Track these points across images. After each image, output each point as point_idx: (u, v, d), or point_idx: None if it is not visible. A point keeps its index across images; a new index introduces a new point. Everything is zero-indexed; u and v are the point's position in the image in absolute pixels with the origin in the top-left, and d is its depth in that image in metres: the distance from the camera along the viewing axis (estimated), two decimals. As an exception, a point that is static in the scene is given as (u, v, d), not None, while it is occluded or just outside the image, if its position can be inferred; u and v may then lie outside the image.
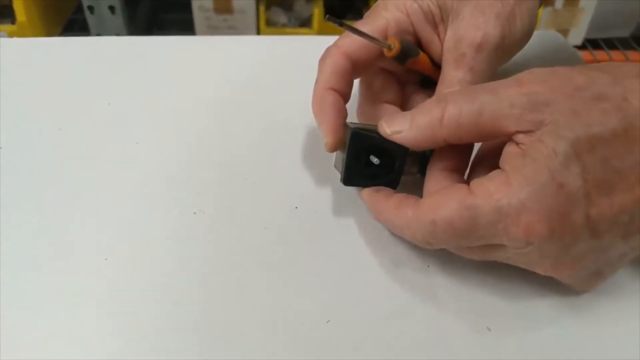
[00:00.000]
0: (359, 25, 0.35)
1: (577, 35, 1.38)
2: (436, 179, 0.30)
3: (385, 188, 0.32)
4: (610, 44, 1.44)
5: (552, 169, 0.25)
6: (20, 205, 0.35)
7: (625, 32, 1.44)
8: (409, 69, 0.36)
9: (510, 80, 0.27)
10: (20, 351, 0.28)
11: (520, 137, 0.26)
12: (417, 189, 0.31)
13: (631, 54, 1.41)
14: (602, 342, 0.29)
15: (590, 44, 1.42)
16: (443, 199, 0.27)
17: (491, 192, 0.26)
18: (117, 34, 1.31)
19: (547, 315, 0.30)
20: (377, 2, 0.36)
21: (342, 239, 0.34)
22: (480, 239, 0.27)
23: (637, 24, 1.43)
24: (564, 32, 1.36)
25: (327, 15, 0.29)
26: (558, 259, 0.27)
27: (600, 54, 1.41)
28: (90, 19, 1.30)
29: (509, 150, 0.27)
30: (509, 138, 0.27)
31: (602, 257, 0.28)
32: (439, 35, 0.35)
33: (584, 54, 1.39)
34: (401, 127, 0.30)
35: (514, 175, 0.26)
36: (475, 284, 0.32)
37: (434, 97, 0.30)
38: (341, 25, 0.31)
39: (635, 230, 0.26)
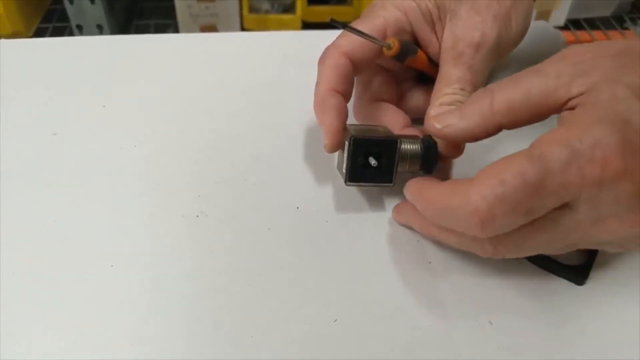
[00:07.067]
0: (357, 24, 0.35)
1: (559, 16, 1.39)
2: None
3: (431, 177, 0.32)
4: (592, 23, 1.45)
5: (615, 108, 0.24)
6: (19, 215, 0.35)
7: (606, 12, 1.46)
8: (407, 67, 0.37)
9: (552, 58, 0.27)
10: (25, 356, 0.28)
11: (574, 102, 0.26)
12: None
13: (613, 34, 1.43)
14: (605, 339, 0.30)
15: (572, 24, 1.44)
16: (508, 159, 0.26)
17: (558, 138, 0.25)
18: (97, 24, 1.29)
19: (549, 310, 0.31)
20: (375, 2, 0.36)
21: (345, 238, 0.34)
22: (552, 196, 0.25)
23: (618, 3, 1.44)
24: (546, 13, 1.37)
25: (331, 19, 0.29)
26: (631, 208, 0.25)
27: (582, 34, 1.42)
28: (69, 9, 1.27)
29: (564, 114, 0.26)
30: (561, 110, 0.27)
31: None
32: (436, 34, 0.36)
33: (566, 35, 1.40)
34: (451, 120, 0.30)
35: (579, 119, 0.25)
36: (477, 278, 0.32)
37: (479, 90, 0.29)
38: (344, 27, 0.31)
39: None
